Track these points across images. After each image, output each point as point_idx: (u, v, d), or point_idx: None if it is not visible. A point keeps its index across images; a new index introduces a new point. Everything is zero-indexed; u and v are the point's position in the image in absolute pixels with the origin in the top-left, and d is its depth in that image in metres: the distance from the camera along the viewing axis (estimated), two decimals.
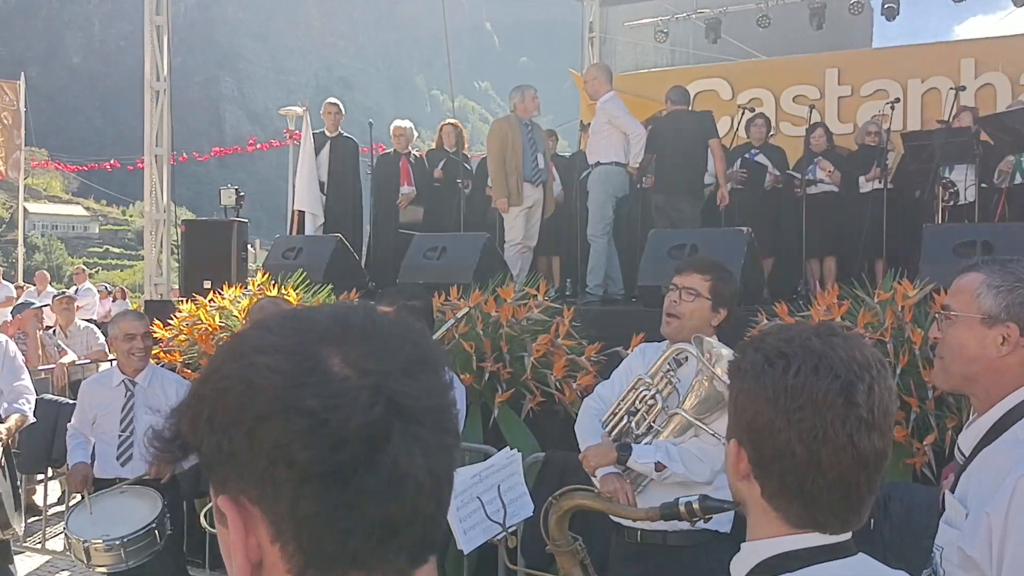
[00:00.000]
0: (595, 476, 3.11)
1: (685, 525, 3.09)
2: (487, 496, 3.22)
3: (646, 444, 3.10)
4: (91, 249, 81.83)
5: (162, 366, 5.43)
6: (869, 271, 7.66)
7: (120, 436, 4.66)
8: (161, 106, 9.78)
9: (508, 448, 3.46)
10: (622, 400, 3.29)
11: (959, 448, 1.98)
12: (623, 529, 3.26)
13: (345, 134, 9.78)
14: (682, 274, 3.34)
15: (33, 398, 5.06)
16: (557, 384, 5.08)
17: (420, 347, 0.81)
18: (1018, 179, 7.54)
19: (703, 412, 2.97)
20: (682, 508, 1.69)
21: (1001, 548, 1.67)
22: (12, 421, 4.75)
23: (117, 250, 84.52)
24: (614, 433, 3.24)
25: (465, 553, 3.30)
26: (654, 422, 3.15)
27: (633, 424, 3.18)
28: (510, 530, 3.11)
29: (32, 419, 5.03)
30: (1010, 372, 1.86)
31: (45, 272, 15.98)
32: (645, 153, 7.87)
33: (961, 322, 1.93)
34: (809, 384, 1.23)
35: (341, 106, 9.80)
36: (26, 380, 5.05)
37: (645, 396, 3.20)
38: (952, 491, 1.90)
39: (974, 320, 1.90)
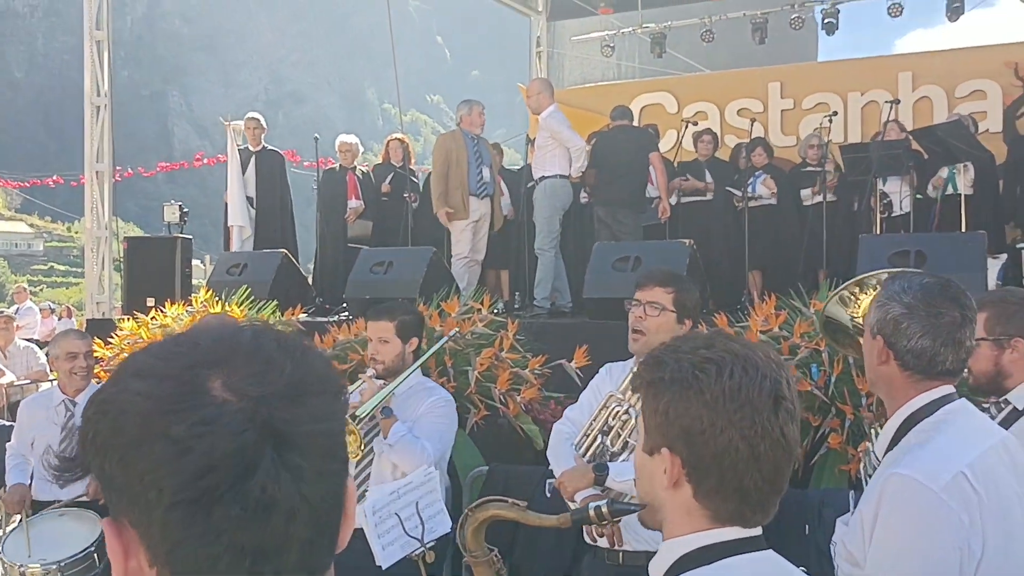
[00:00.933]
0: (574, 501, 3.04)
1: (646, 547, 3.09)
2: (405, 512, 3.23)
3: (623, 462, 3.05)
4: (35, 267, 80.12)
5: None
6: (812, 282, 7.82)
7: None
8: (102, 121, 9.64)
9: (426, 467, 3.47)
10: (594, 420, 3.24)
11: (876, 455, 2.07)
12: (600, 551, 3.20)
13: (269, 147, 9.76)
14: (644, 288, 3.33)
15: None
16: (501, 398, 5.10)
17: (309, 370, 0.81)
18: (950, 190, 7.74)
19: None
20: (591, 512, 1.73)
21: (869, 541, 1.77)
22: None
23: (62, 267, 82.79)
24: (588, 454, 3.19)
25: (383, 568, 3.31)
26: (629, 437, 3.09)
27: (608, 442, 3.13)
28: (428, 545, 3.13)
29: None
30: (895, 382, 1.96)
31: None
32: (588, 168, 7.95)
33: (865, 333, 2.06)
34: (744, 385, 1.32)
35: (262, 120, 9.78)
36: None
37: (618, 412, 3.15)
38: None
39: (868, 331, 2.03)
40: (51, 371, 5.55)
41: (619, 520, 1.70)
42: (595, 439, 3.19)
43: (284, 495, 0.76)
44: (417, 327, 3.97)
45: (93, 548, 4.23)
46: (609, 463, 3.06)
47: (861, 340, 2.57)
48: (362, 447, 3.62)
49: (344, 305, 7.90)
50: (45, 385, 8.85)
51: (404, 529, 3.13)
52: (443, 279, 7.46)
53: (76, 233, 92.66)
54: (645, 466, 1.41)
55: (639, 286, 3.37)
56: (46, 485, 4.57)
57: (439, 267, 7.56)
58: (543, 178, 7.89)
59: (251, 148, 9.53)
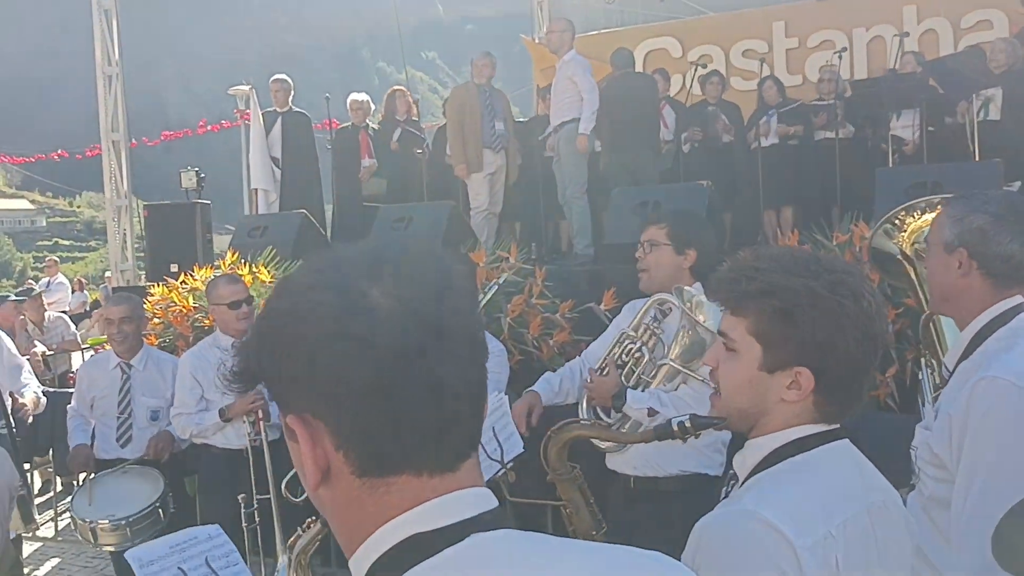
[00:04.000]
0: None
1: (676, 470, 3.26)
2: (484, 438, 3.35)
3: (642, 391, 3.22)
4: (40, 243, 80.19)
5: None
6: (826, 218, 7.90)
7: (119, 418, 4.72)
8: (115, 91, 9.68)
9: (497, 392, 3.61)
10: (608, 355, 3.41)
11: (946, 366, 2.18)
12: (617, 476, 3.41)
13: (296, 109, 9.76)
14: (644, 231, 3.52)
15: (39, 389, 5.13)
16: (534, 342, 5.23)
17: (448, 276, 0.93)
18: (981, 116, 7.70)
19: (689, 360, 3.10)
20: (675, 427, 1.83)
21: (960, 443, 1.88)
22: (29, 396, 4.80)
23: (67, 242, 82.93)
24: None
25: None
26: (643, 374, 3.27)
27: (622, 378, 3.29)
28: (508, 466, 3.25)
29: (44, 401, 5.08)
30: (973, 292, 2.06)
31: None
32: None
33: (931, 252, 2.16)
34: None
35: (290, 81, 9.78)
36: (30, 374, 5.13)
37: (631, 349, 3.33)
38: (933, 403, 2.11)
39: (939, 248, 2.11)
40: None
41: (700, 434, 1.80)
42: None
43: (450, 379, 0.88)
44: (471, 276, 4.09)
45: (158, 504, 4.40)
46: (628, 390, 3.23)
47: (909, 266, 2.69)
48: None
49: None
50: (76, 355, 9.03)
51: (486, 453, 3.25)
52: (463, 232, 7.56)
53: (78, 207, 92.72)
54: (759, 381, 1.51)
55: (642, 231, 3.55)
56: (108, 445, 4.73)
57: (458, 221, 7.65)
58: (563, 124, 7.76)
59: (277, 109, 9.55)
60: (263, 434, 4.34)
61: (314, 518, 1.58)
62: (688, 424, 1.81)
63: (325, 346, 0.86)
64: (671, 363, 3.16)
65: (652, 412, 3.11)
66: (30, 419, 5.03)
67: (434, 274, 0.92)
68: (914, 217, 3.17)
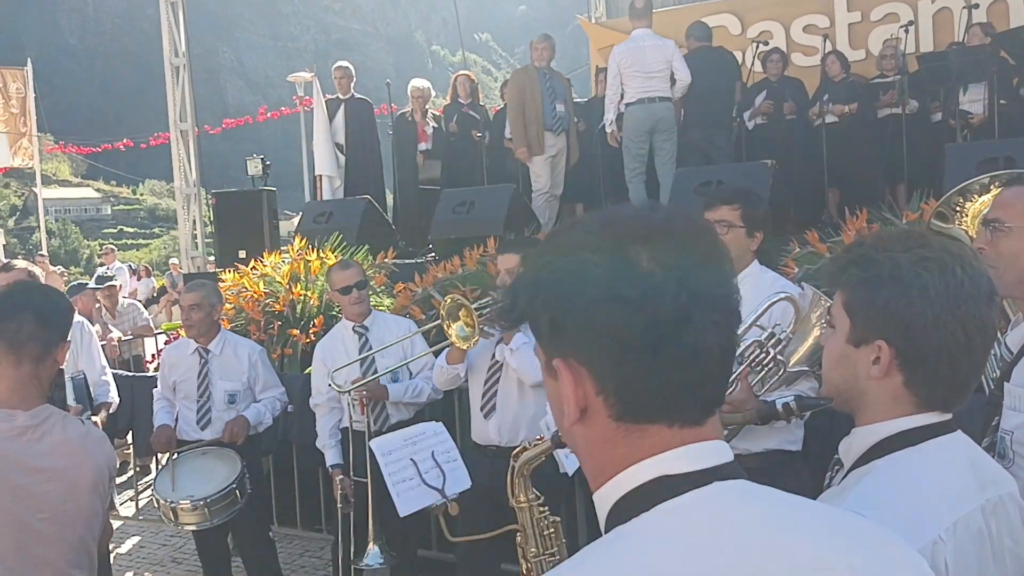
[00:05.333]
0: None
1: (756, 447, 3.24)
2: (420, 456, 3.37)
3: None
4: (105, 231, 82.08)
5: None
6: (892, 196, 7.78)
7: (199, 401, 4.87)
8: (182, 81, 9.90)
9: (433, 422, 3.67)
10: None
11: (1007, 345, 2.16)
12: None
13: (358, 96, 9.87)
14: (711, 209, 3.41)
15: (112, 383, 5.28)
16: None
17: (710, 245, 1.01)
18: None
19: (815, 362, 2.93)
20: (779, 408, 1.83)
21: None
22: (102, 414, 4.96)
23: (131, 230, 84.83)
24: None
25: (401, 516, 3.44)
26: (768, 378, 3.08)
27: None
28: (450, 498, 3.26)
29: (116, 401, 5.25)
30: None
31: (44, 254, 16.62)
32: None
33: (1016, 232, 2.11)
34: (966, 282, 1.42)
35: (352, 68, 9.89)
36: (106, 366, 5.29)
37: (761, 358, 3.06)
38: (1008, 381, 2.08)
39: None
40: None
41: (806, 415, 1.78)
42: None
43: (708, 343, 0.96)
44: None
45: (235, 485, 4.54)
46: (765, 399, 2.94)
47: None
48: (473, 341, 3.79)
49: (430, 247, 8.08)
50: (150, 340, 9.29)
51: (422, 478, 3.27)
52: (525, 215, 7.61)
53: (141, 195, 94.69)
54: (848, 356, 1.50)
55: (706, 207, 3.45)
56: (190, 427, 4.89)
57: (520, 204, 7.70)
58: (628, 105, 7.81)
59: (340, 96, 9.68)
60: (368, 419, 4.48)
61: (538, 439, 1.63)
62: (793, 405, 1.80)
63: (599, 305, 0.95)
64: (809, 370, 2.97)
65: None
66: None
67: (698, 243, 0.99)
68: (972, 201, 3.11)
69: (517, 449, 1.65)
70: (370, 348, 4.68)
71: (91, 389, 4.97)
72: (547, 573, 0.99)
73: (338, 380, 4.51)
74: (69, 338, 2.56)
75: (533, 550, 1.62)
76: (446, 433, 3.63)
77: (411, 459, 3.31)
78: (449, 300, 3.84)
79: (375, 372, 4.56)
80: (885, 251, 1.47)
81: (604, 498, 1.02)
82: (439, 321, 3.98)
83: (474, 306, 3.75)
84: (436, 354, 4.39)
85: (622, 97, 7.84)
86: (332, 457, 4.70)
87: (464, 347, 3.83)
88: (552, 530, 1.64)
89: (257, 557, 5.07)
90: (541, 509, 1.63)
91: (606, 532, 1.00)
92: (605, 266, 0.96)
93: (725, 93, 8.06)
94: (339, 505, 4.58)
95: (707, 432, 1.01)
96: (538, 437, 1.68)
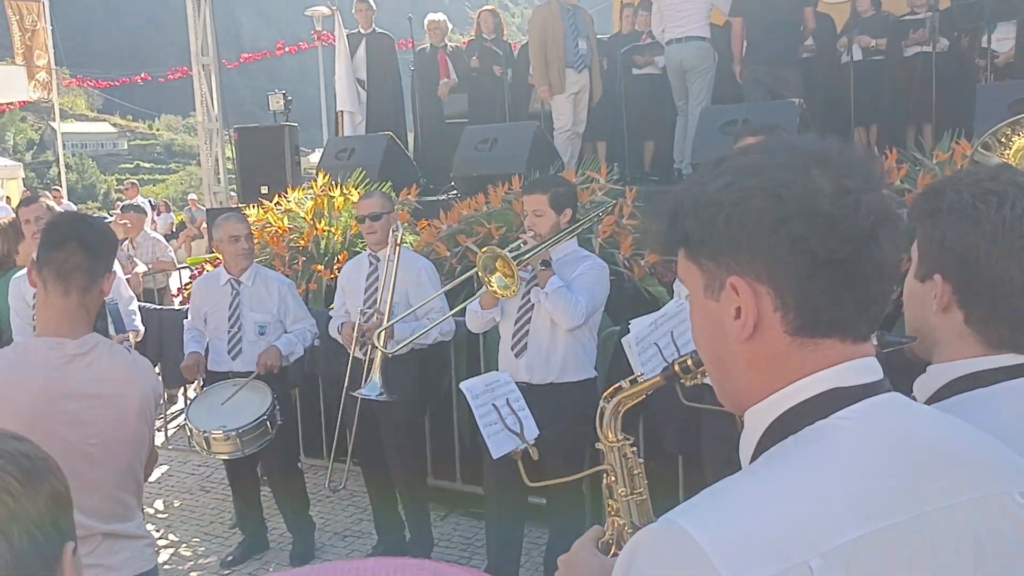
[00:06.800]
0: None
1: None
2: (499, 403, 3.46)
3: None
4: (122, 166, 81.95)
5: None
6: (919, 135, 7.70)
7: (229, 332, 4.95)
8: (204, 15, 9.81)
9: (501, 372, 3.74)
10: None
11: None
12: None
13: (379, 30, 9.78)
14: (742, 143, 3.46)
15: (138, 313, 5.38)
16: (625, 262, 5.28)
17: (879, 169, 1.05)
18: None
19: None
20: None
21: None
22: (131, 339, 5.06)
23: (147, 165, 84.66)
24: None
25: (494, 457, 3.56)
26: None
27: None
28: (530, 443, 3.32)
29: (142, 330, 5.33)
30: None
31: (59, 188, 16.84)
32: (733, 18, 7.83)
33: None
34: (1019, 213, 1.37)
35: (372, 2, 9.78)
36: (132, 297, 5.39)
37: None
38: None
39: None
40: (215, 252, 5.87)
41: (889, 351, 1.69)
42: None
43: (889, 261, 1.01)
44: (570, 199, 4.17)
45: (266, 416, 4.64)
46: None
47: None
48: (512, 289, 3.86)
49: (452, 183, 8.08)
50: (174, 274, 9.38)
51: (504, 424, 3.37)
52: (548, 153, 7.58)
53: (157, 130, 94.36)
54: (916, 293, 1.48)
55: (738, 143, 3.53)
56: (220, 357, 4.98)
57: (543, 141, 7.66)
58: (684, 39, 7.83)
59: (361, 31, 9.59)
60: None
61: (637, 375, 1.63)
62: (874, 342, 1.74)
63: (794, 221, 0.98)
64: None
65: None
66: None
67: (872, 168, 1.04)
68: (1020, 135, 3.08)
69: (611, 388, 1.64)
70: (379, 278, 4.80)
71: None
72: (728, 478, 1.01)
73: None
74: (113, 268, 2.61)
75: (622, 490, 1.61)
76: (513, 383, 3.72)
77: (492, 404, 3.42)
78: (485, 252, 3.89)
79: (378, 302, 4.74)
80: (953, 184, 1.44)
81: (765, 411, 1.05)
82: (471, 272, 4.04)
83: (511, 254, 3.80)
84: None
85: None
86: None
87: (507, 295, 3.92)
88: (639, 471, 1.65)
89: (285, 486, 5.21)
90: (631, 448, 1.65)
91: (759, 445, 1.05)
92: (800, 184, 0.99)
93: (788, 26, 7.80)
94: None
95: (868, 348, 1.06)
96: (637, 374, 1.66)
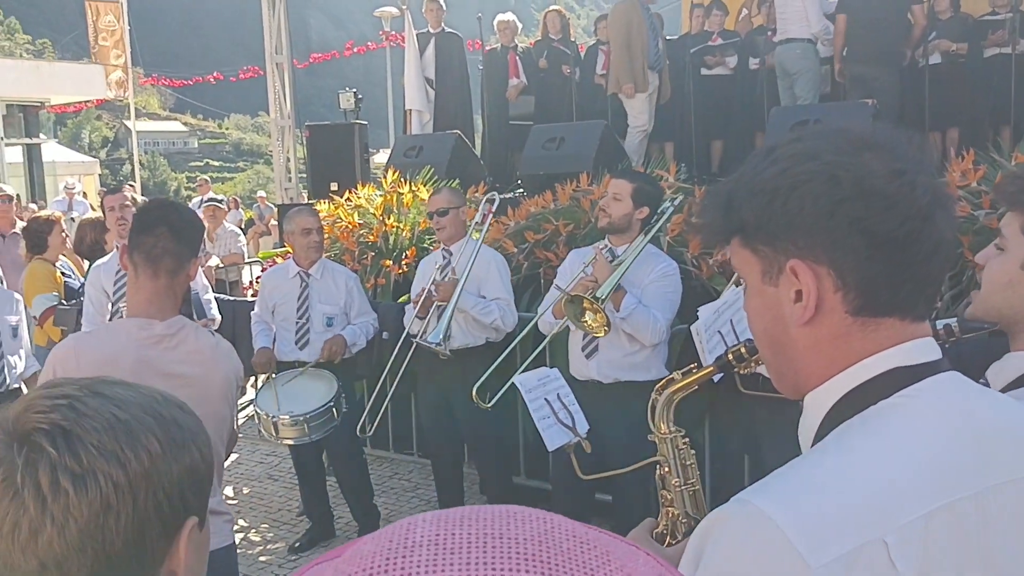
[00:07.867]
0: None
1: None
2: (551, 397, 3.50)
3: None
4: (192, 163, 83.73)
5: None
6: (997, 139, 7.52)
7: (297, 323, 5.08)
8: (278, 13, 10.01)
9: (550, 368, 3.80)
10: None
11: None
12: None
13: (449, 30, 9.86)
14: None
15: (213, 302, 5.54)
16: (693, 261, 5.26)
17: (930, 154, 1.09)
18: None
19: None
20: (940, 329, 1.74)
21: None
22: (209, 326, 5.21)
23: (216, 163, 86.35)
24: None
25: (549, 451, 3.60)
26: None
27: None
28: (583, 437, 3.35)
29: (219, 319, 5.48)
30: None
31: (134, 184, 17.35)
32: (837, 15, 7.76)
33: None
34: None
35: (442, 2, 9.87)
36: (208, 286, 5.55)
37: None
38: None
39: None
40: (285, 245, 6.03)
41: (969, 337, 1.68)
42: None
43: (945, 241, 1.04)
44: (653, 198, 4.20)
45: (332, 403, 4.74)
46: None
47: None
48: (607, 327, 3.91)
49: (518, 182, 8.11)
50: (245, 269, 9.58)
51: (556, 417, 3.41)
52: (615, 152, 7.57)
53: (226, 129, 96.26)
54: (1018, 281, 1.48)
55: None
56: (288, 347, 5.09)
57: (611, 140, 7.66)
58: (791, 40, 7.82)
59: (431, 30, 9.70)
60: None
61: (693, 366, 1.65)
62: (955, 327, 1.71)
63: (853, 202, 1.00)
64: None
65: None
66: None
67: (924, 152, 1.06)
68: None
69: (663, 380, 1.66)
70: (452, 270, 4.91)
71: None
72: (796, 459, 1.03)
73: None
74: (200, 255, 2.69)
75: (676, 480, 1.64)
76: (562, 378, 3.76)
77: (545, 399, 3.48)
78: (565, 302, 4.02)
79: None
80: None
81: (826, 393, 1.06)
82: (564, 321, 4.13)
83: (588, 296, 3.93)
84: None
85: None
86: None
87: (607, 333, 3.98)
88: (692, 461, 1.66)
89: (350, 475, 5.30)
90: (684, 440, 1.66)
91: (821, 427, 1.05)
92: (857, 165, 1.01)
93: (891, 25, 7.71)
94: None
95: (926, 328, 1.07)
96: (690, 366, 1.67)
